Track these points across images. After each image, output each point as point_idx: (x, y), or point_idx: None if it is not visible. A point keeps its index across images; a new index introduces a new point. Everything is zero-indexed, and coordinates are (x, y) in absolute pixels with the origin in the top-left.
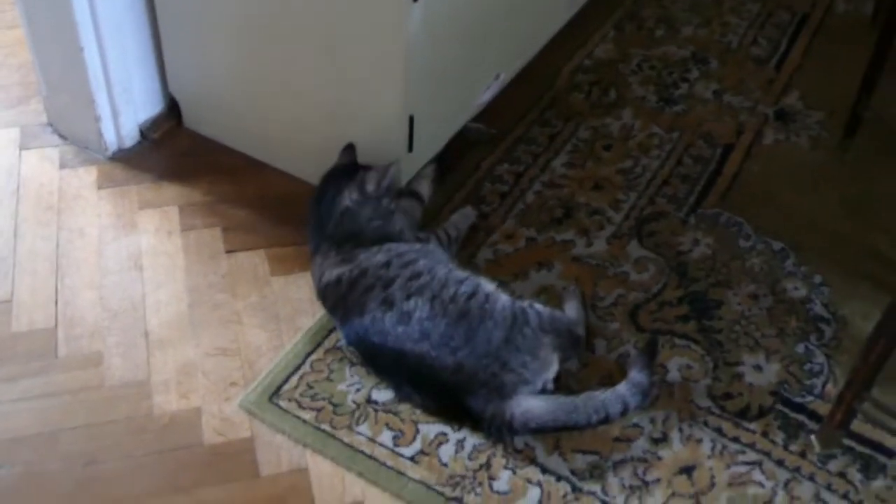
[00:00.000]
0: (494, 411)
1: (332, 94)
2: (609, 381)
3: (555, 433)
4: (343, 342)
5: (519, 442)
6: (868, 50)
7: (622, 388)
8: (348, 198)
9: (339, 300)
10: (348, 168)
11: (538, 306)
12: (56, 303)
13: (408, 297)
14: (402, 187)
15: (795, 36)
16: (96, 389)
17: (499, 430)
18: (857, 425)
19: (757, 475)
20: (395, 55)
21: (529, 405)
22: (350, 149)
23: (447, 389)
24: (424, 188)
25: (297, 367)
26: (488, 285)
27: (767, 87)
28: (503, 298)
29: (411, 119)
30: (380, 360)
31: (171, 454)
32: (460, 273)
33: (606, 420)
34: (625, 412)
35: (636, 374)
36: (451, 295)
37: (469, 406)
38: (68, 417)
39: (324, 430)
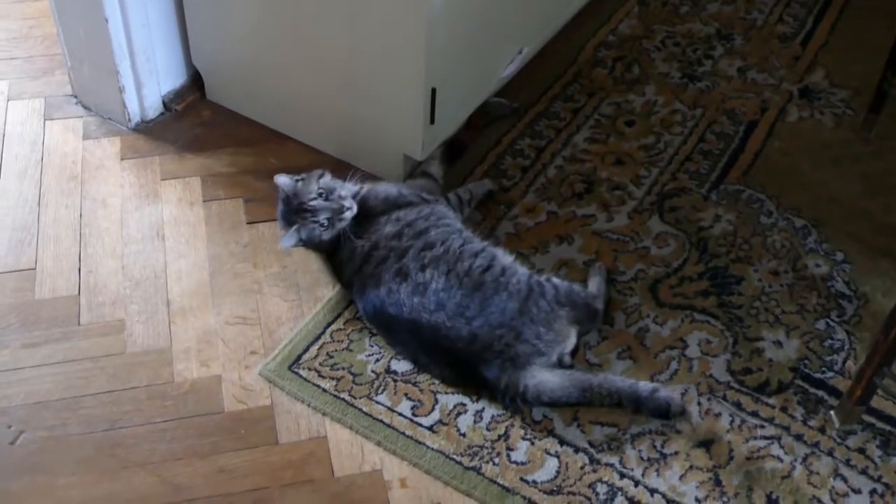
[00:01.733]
0: (508, 381)
1: (354, 66)
2: (627, 353)
3: (568, 407)
4: (361, 315)
5: (537, 413)
6: (894, 28)
7: (644, 387)
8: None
9: (355, 274)
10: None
11: (556, 280)
12: (79, 271)
13: (422, 268)
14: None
15: (822, 14)
16: (118, 356)
17: (513, 401)
18: (877, 401)
19: (775, 450)
20: (417, 27)
21: (543, 378)
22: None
23: (463, 359)
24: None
25: (317, 337)
26: (505, 258)
27: (792, 64)
28: (520, 271)
29: (433, 91)
30: (397, 331)
31: (191, 420)
32: (475, 245)
33: (618, 406)
34: (636, 411)
35: (665, 392)
36: (465, 269)
37: (484, 376)
38: (90, 383)
39: (343, 399)
